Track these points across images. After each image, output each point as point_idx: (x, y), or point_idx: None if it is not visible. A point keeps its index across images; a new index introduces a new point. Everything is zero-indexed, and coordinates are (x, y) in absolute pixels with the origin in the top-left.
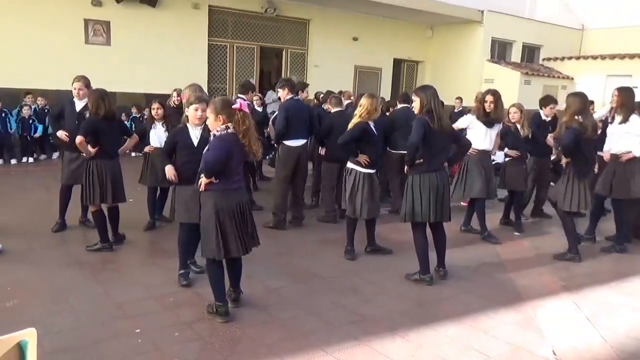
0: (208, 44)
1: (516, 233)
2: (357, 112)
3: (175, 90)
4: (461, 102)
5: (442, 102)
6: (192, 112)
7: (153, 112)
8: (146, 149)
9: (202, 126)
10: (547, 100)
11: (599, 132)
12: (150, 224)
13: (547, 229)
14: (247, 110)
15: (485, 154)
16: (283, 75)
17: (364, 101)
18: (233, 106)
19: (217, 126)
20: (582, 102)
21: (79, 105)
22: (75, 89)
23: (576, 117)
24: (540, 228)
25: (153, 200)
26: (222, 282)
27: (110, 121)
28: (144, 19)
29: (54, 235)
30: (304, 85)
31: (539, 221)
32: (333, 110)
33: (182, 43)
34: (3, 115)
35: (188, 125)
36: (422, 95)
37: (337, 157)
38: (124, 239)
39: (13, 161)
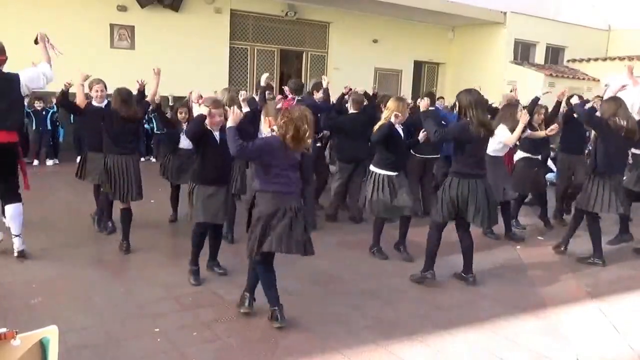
0: (229, 47)
1: (540, 237)
2: (384, 114)
3: (192, 91)
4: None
5: (486, 108)
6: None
7: (180, 116)
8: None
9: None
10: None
11: None
12: (174, 217)
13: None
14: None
15: (497, 159)
16: (303, 79)
17: (390, 104)
18: (277, 107)
19: (267, 129)
20: (615, 105)
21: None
22: (97, 91)
23: (612, 118)
24: (563, 231)
25: (176, 197)
26: (272, 284)
27: (128, 122)
28: (167, 23)
29: (77, 234)
30: (319, 86)
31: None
32: (351, 111)
33: (204, 46)
34: (44, 113)
35: (209, 127)
36: (464, 99)
37: (352, 157)
38: (128, 249)
39: (49, 162)
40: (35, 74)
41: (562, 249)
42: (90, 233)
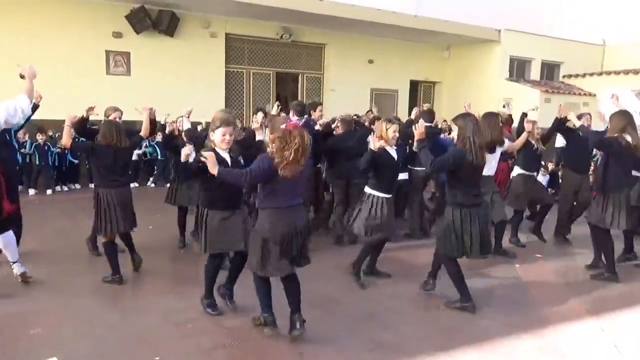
0: (225, 70)
1: (538, 255)
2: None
3: (178, 117)
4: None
5: (483, 132)
6: (218, 137)
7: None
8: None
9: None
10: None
11: None
12: (183, 243)
13: (570, 250)
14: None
15: (488, 179)
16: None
17: (377, 126)
18: (281, 126)
19: (270, 147)
20: (625, 120)
21: None
22: (115, 118)
23: (622, 135)
24: (563, 249)
25: (183, 221)
26: (266, 293)
27: (118, 150)
28: (163, 48)
29: (76, 262)
30: (315, 105)
31: (562, 242)
32: (340, 131)
33: (200, 70)
34: (46, 148)
35: (216, 149)
36: (462, 124)
37: (344, 175)
38: (141, 263)
39: (48, 191)
40: (12, 110)
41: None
42: (88, 261)
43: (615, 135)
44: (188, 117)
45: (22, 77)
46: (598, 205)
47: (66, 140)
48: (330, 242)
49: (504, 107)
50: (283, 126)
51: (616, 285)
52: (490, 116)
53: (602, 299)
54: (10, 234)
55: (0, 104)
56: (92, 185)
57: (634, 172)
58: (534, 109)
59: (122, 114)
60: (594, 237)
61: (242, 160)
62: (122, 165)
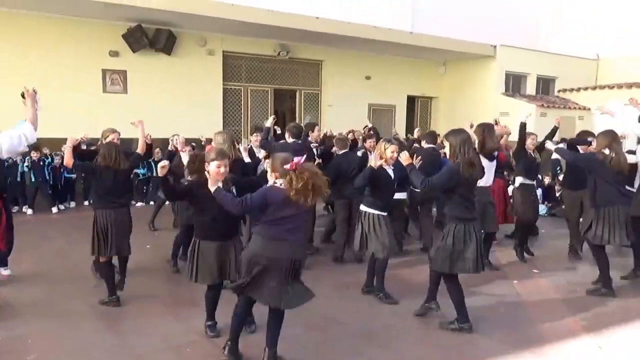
0: (223, 88)
1: (535, 271)
2: (371, 157)
3: (174, 135)
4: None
5: (475, 148)
6: (213, 169)
7: (171, 145)
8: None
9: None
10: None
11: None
12: (175, 265)
13: (568, 265)
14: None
15: (483, 190)
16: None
17: (377, 146)
18: (285, 166)
19: (271, 179)
20: (610, 138)
21: None
22: (113, 139)
23: (603, 151)
24: (561, 265)
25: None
26: (242, 321)
27: (117, 172)
28: (160, 66)
29: (72, 284)
30: (312, 126)
31: (560, 258)
32: (340, 152)
33: (197, 88)
34: (41, 163)
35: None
36: (453, 140)
37: (346, 195)
38: (123, 286)
39: (54, 209)
40: (16, 138)
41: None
42: (85, 283)
43: (594, 152)
44: (185, 151)
45: (22, 96)
46: (590, 222)
47: (68, 160)
48: (328, 260)
49: (496, 124)
50: (287, 166)
51: (613, 301)
52: (486, 125)
53: (599, 316)
54: None
55: (3, 133)
56: (86, 203)
57: (629, 188)
58: (528, 116)
59: (119, 135)
60: (593, 252)
61: (234, 191)
62: (122, 186)
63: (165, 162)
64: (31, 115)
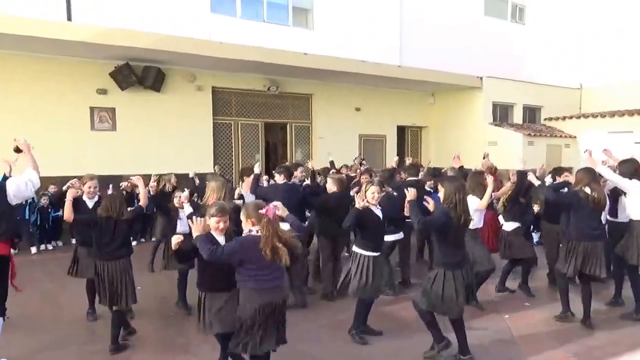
0: (213, 122)
1: (526, 303)
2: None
3: (156, 175)
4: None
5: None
6: (213, 224)
7: (176, 201)
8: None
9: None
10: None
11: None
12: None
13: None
14: (274, 217)
15: (473, 233)
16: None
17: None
18: (260, 211)
19: (246, 227)
20: (589, 176)
21: (90, 203)
22: (90, 187)
23: (583, 188)
24: (552, 296)
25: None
26: None
27: (118, 223)
28: (149, 103)
29: (60, 331)
30: (297, 165)
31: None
32: (333, 189)
33: (187, 124)
34: (24, 203)
35: (212, 232)
36: (448, 187)
37: (332, 235)
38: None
39: (33, 249)
40: (23, 185)
41: (567, 314)
42: (74, 329)
43: (576, 189)
44: (188, 202)
45: (16, 150)
46: (561, 253)
47: (68, 214)
48: (317, 297)
49: (484, 158)
50: (262, 211)
51: (600, 333)
52: (477, 175)
53: (587, 349)
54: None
55: (10, 180)
56: (74, 241)
57: (610, 218)
58: (523, 162)
59: (97, 182)
60: (614, 274)
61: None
62: (122, 237)
63: (180, 238)
64: (32, 163)
